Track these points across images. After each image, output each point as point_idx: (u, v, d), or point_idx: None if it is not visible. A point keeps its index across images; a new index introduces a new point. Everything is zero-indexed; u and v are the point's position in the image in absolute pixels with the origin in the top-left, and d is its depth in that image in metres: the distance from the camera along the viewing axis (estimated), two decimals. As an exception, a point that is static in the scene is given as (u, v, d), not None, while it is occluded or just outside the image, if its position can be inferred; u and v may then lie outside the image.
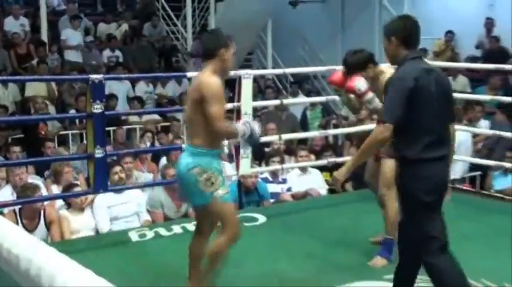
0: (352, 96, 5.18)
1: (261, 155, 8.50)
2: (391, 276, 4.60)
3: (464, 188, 7.70)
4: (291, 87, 13.11)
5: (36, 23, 12.68)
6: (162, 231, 5.92)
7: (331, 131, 9.23)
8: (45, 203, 6.13)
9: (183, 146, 5.60)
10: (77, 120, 9.64)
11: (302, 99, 11.32)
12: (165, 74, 12.40)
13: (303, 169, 7.86)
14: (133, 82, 11.69)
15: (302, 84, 13.21)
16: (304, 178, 7.87)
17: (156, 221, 6.55)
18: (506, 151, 7.81)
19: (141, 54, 13.09)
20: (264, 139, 7.62)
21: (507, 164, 7.29)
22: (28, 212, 5.94)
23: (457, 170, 8.01)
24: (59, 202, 6.36)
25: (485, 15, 12.82)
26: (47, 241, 5.83)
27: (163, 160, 8.11)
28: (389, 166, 5.01)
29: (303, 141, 9.12)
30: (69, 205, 6.25)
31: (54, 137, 8.95)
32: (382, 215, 5.24)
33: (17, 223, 5.79)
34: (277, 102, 8.40)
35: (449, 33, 13.03)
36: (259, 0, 14.04)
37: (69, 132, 9.40)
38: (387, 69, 4.93)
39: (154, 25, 14.23)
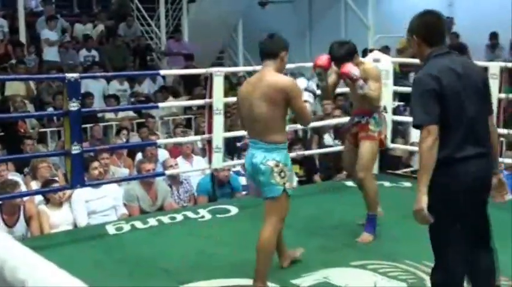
0: (330, 81, 5.56)
1: (233, 149, 8.75)
2: (358, 262, 4.86)
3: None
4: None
5: (15, 24, 12.79)
6: (138, 224, 6.00)
7: (300, 125, 9.42)
8: (25, 199, 6.20)
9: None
10: (55, 118, 9.81)
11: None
12: (139, 72, 12.62)
13: (274, 162, 8.09)
14: (109, 81, 11.91)
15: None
16: (275, 171, 8.10)
17: (132, 214, 6.67)
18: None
19: (117, 54, 13.28)
20: (235, 134, 7.90)
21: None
22: (8, 208, 6.00)
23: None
24: (38, 198, 6.46)
25: (445, 14, 13.16)
26: (26, 236, 5.98)
27: (139, 155, 8.29)
28: (366, 148, 5.43)
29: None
30: (48, 201, 6.35)
31: (33, 134, 9.09)
32: (363, 196, 5.52)
33: (-2, 219, 5.93)
34: (247, 98, 8.60)
35: (412, 31, 13.37)
36: (230, 1, 14.27)
37: (48, 129, 9.59)
38: (366, 61, 5.61)
39: (129, 25, 14.43)
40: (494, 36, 12.31)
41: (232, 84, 12.42)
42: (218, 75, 6.35)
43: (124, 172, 8.06)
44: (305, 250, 5.09)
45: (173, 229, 5.91)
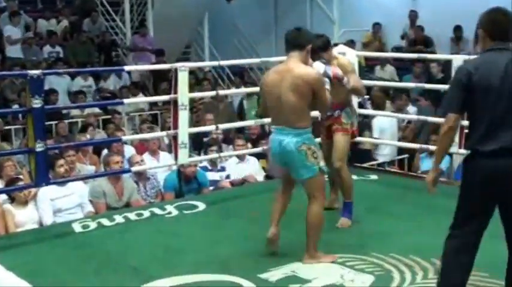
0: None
1: (199, 144, 8.74)
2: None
3: (393, 170, 8.06)
4: (229, 79, 13.36)
5: (-23, 21, 12.63)
6: (105, 221, 5.95)
7: (267, 120, 9.42)
8: (-11, 198, 6.11)
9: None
10: (20, 116, 9.70)
11: (238, 90, 11.60)
12: (102, 68, 12.54)
13: (241, 157, 8.12)
14: (73, 77, 11.82)
15: (244, 75, 13.51)
16: (241, 166, 8.13)
17: (98, 211, 6.64)
18: (431, 135, 8.20)
19: (81, 50, 13.22)
20: (201, 129, 7.89)
21: (432, 147, 7.66)
22: (-28, 207, 5.92)
23: (386, 153, 8.42)
24: (3, 197, 6.39)
25: (409, 7, 13.35)
26: (-9, 235, 5.94)
27: (105, 152, 8.22)
28: (339, 140, 5.66)
29: (240, 130, 9.38)
30: (13, 199, 6.29)
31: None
32: (339, 183, 5.83)
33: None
34: (213, 93, 8.62)
35: (377, 25, 13.55)
36: (196, -5, 14.24)
37: (12, 127, 9.49)
38: (339, 56, 5.74)
39: (94, 21, 14.35)
40: (458, 29, 12.41)
41: (198, 79, 12.39)
42: (183, 70, 6.31)
43: (90, 169, 8.01)
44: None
45: (140, 226, 5.88)
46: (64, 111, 10.41)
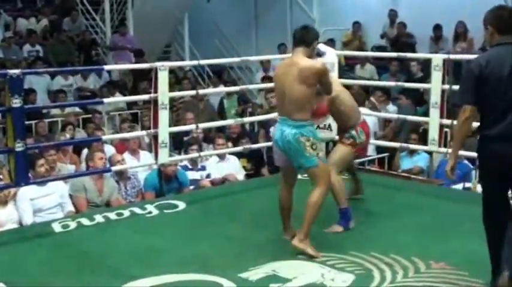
0: None
1: (179, 143, 8.73)
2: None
3: (374, 169, 8.08)
4: (209, 78, 13.34)
5: (-44, 20, 12.56)
6: (85, 221, 5.91)
7: (247, 119, 9.51)
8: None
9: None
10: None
11: (218, 89, 11.60)
12: (82, 67, 12.47)
13: (221, 156, 8.12)
14: (53, 76, 11.76)
15: (222, 74, 13.50)
16: (222, 165, 8.13)
17: (78, 206, 6.64)
18: (411, 133, 8.25)
19: (61, 49, 13.15)
20: (182, 128, 7.88)
21: (412, 146, 7.72)
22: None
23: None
24: (-18, 196, 6.33)
25: (389, 7, 13.41)
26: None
27: (85, 152, 8.21)
28: (339, 149, 5.70)
29: (220, 130, 9.39)
30: (-8, 199, 6.24)
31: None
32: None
33: None
34: (193, 92, 8.61)
35: (357, 24, 13.60)
36: (176, -6, 14.21)
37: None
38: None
39: (74, 20, 14.28)
40: (437, 28, 12.48)
41: (178, 78, 12.37)
42: (163, 69, 6.30)
43: (70, 168, 7.98)
44: (253, 243, 5.17)
45: (120, 226, 5.86)
46: (44, 111, 10.35)
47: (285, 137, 4.88)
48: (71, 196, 6.75)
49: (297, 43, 5.00)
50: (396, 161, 8.46)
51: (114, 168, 6.93)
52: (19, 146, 5.53)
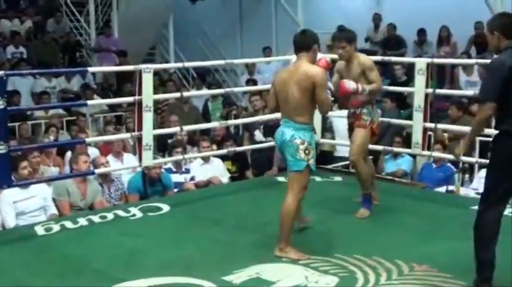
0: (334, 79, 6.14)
1: (164, 146, 8.71)
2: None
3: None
4: (193, 80, 13.32)
5: None
6: (68, 224, 5.88)
7: (231, 121, 9.51)
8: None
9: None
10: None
11: (202, 91, 11.60)
12: (66, 69, 12.43)
13: (205, 159, 8.11)
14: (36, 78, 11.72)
15: (205, 77, 13.49)
16: (206, 167, 8.12)
17: (62, 209, 6.60)
18: (394, 136, 8.28)
19: (45, 50, 13.07)
20: (166, 131, 7.86)
21: (396, 149, 7.75)
22: None
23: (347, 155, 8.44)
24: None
25: (373, 10, 13.47)
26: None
27: (69, 154, 8.17)
28: (358, 135, 5.87)
29: (205, 132, 9.37)
30: (-26, 202, 6.21)
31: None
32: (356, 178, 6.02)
33: None
34: (177, 95, 8.61)
35: (341, 28, 13.57)
36: (160, -4, 14.22)
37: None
38: (359, 54, 6.03)
39: (58, 21, 14.23)
40: (421, 32, 12.55)
41: (162, 81, 12.35)
42: (147, 72, 6.28)
43: (54, 171, 7.94)
44: (237, 246, 5.16)
45: (104, 228, 5.83)
46: (28, 113, 10.30)
47: (283, 137, 4.98)
48: (54, 200, 6.71)
49: (297, 49, 5.05)
50: (380, 164, 8.49)
51: (97, 171, 6.91)
52: (2, 148, 5.49)
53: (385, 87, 8.80)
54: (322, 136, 8.15)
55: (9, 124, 6.07)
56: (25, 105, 10.42)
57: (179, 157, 7.57)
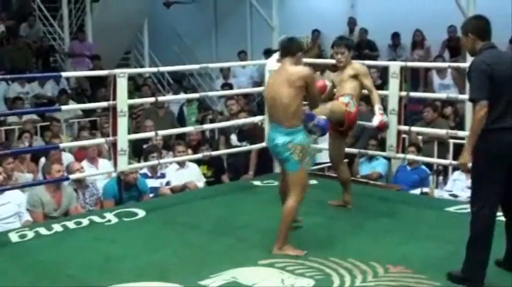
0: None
1: (139, 151, 8.68)
2: (266, 261, 4.90)
3: (333, 175, 8.11)
4: (169, 85, 13.29)
5: None
6: (43, 231, 5.85)
7: (207, 126, 9.51)
8: None
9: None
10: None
11: (177, 96, 11.60)
12: (39, 74, 12.34)
13: (181, 163, 8.10)
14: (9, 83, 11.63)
15: (181, 81, 13.48)
16: (182, 172, 8.11)
17: (36, 220, 6.52)
18: (369, 139, 8.33)
19: (18, 55, 12.95)
20: (141, 136, 7.84)
21: (371, 152, 7.79)
22: None
23: (326, 158, 8.47)
24: None
25: (348, 15, 13.54)
26: None
27: (43, 160, 8.12)
28: (334, 142, 6.32)
29: (180, 137, 9.36)
30: None
31: None
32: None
33: None
34: (152, 99, 8.59)
35: (316, 32, 13.71)
36: (135, 1, 14.16)
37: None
38: (354, 61, 6.36)
39: (31, 26, 14.11)
40: (396, 36, 12.65)
41: (137, 86, 12.31)
42: (121, 76, 6.25)
43: (28, 177, 7.87)
44: (213, 251, 5.17)
45: (79, 234, 5.80)
46: (1, 118, 10.22)
47: (273, 142, 5.15)
48: (28, 210, 6.64)
49: (283, 54, 5.27)
50: (355, 166, 8.53)
51: (72, 176, 6.86)
52: (-25, 155, 5.46)
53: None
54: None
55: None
56: (-1, 111, 10.35)
57: (155, 161, 7.55)
